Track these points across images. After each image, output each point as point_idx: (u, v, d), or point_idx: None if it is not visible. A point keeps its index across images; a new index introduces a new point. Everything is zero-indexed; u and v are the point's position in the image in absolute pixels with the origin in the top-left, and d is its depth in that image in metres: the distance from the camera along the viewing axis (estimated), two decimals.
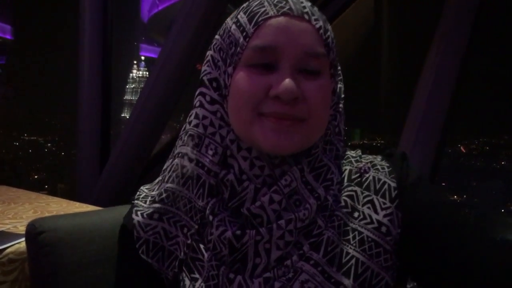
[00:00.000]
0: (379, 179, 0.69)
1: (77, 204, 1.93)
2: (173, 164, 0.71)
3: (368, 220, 0.67)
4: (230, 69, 0.66)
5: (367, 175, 0.70)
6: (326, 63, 0.65)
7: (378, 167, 0.71)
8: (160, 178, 0.76)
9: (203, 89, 0.70)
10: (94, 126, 3.19)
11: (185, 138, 0.70)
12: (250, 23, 0.64)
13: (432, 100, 2.34)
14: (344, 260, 0.64)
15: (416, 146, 2.33)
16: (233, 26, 0.67)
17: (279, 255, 0.64)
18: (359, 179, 0.70)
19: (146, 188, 0.78)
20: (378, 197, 0.68)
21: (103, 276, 0.83)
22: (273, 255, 0.64)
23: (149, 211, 0.71)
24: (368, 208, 0.67)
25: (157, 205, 0.71)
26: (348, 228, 0.66)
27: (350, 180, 0.70)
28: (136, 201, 0.75)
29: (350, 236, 0.65)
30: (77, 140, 3.30)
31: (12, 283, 1.29)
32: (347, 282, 0.62)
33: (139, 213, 0.72)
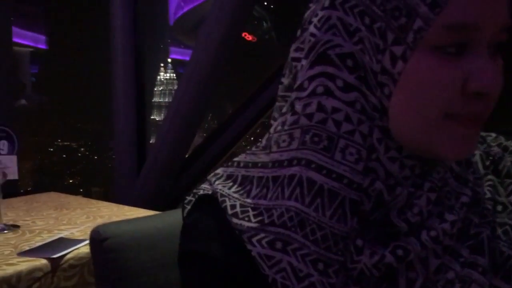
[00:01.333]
0: None
1: (127, 207, 1.97)
2: (293, 175, 0.50)
3: None
4: (399, 50, 0.46)
5: (503, 162, 0.58)
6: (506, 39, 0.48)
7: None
8: (247, 172, 0.56)
9: (329, 69, 0.48)
10: (130, 129, 3.24)
11: (304, 138, 0.50)
12: None
13: None
14: (506, 263, 0.52)
15: None
16: None
17: (437, 264, 0.50)
18: (493, 166, 0.58)
19: (234, 192, 0.55)
20: None
21: (167, 281, 0.84)
22: (431, 266, 0.50)
23: (269, 238, 0.50)
24: None
25: (279, 229, 0.50)
26: (495, 223, 0.54)
27: (485, 167, 0.58)
28: (236, 220, 0.52)
29: (499, 232, 0.54)
30: (114, 143, 3.37)
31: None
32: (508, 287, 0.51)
33: (254, 239, 0.51)
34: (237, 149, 3.51)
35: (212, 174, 0.59)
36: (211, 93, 2.88)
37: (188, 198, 0.58)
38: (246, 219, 0.51)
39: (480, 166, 0.58)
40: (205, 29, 2.72)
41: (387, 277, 0.49)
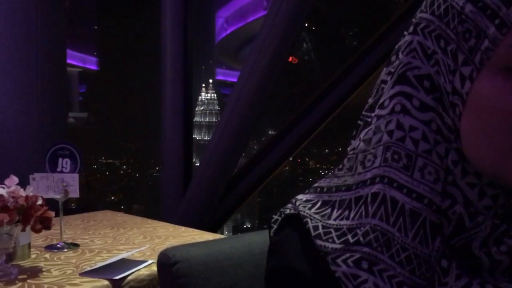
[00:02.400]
0: None
1: (183, 228, 2.00)
2: (377, 193, 0.50)
3: None
4: (467, 70, 0.46)
5: None
6: None
7: None
8: (330, 197, 0.56)
9: (407, 89, 0.50)
10: (177, 149, 3.31)
11: (386, 155, 0.50)
12: (507, 5, 0.43)
13: None
14: None
15: None
16: (469, 7, 0.46)
17: None
18: None
19: (315, 213, 0.55)
20: None
21: None
22: None
23: (355, 257, 0.49)
24: None
25: (365, 249, 0.49)
26: None
27: None
28: (320, 242, 0.52)
29: None
30: (161, 162, 3.44)
31: None
32: None
33: (339, 260, 0.50)
34: (280, 171, 3.51)
35: (294, 198, 0.59)
36: (257, 115, 2.91)
37: (275, 217, 0.59)
38: (330, 240, 0.51)
39: None
40: (254, 51, 2.76)
41: None
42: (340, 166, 0.57)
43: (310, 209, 0.55)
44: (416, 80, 0.50)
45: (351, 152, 0.56)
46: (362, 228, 0.50)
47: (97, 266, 1.41)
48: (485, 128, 0.46)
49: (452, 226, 0.48)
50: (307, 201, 0.57)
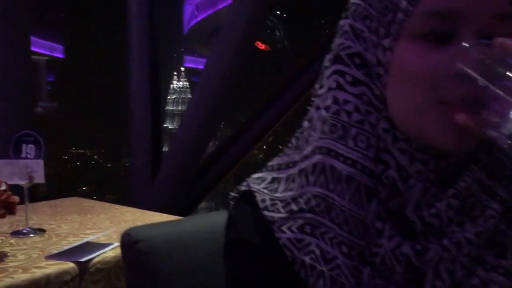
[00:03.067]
0: None
1: (150, 213, 2.01)
2: (316, 163, 0.54)
3: None
4: (387, 42, 0.51)
5: None
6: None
7: None
8: (279, 174, 0.60)
9: (341, 67, 0.55)
10: (145, 136, 3.31)
11: (324, 128, 0.55)
12: None
13: None
14: None
15: None
16: None
17: (463, 274, 0.52)
18: None
19: (264, 188, 0.59)
20: None
21: (199, 285, 0.83)
22: (457, 275, 0.52)
23: (298, 223, 0.54)
24: None
25: (308, 215, 0.53)
26: None
27: None
28: (267, 213, 0.56)
29: None
30: (129, 150, 3.44)
31: None
32: None
33: (284, 227, 0.54)
34: (249, 158, 3.56)
35: (249, 177, 0.64)
36: (225, 102, 2.94)
37: (232, 194, 0.63)
38: (276, 211, 0.55)
39: None
40: (220, 38, 2.79)
41: (413, 281, 0.51)
42: (290, 145, 0.62)
43: (259, 184, 0.60)
44: (348, 58, 0.54)
45: (299, 132, 0.60)
46: (304, 197, 0.54)
47: (63, 249, 1.43)
48: (404, 90, 0.51)
49: (387, 190, 0.52)
50: (258, 178, 0.61)
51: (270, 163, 0.63)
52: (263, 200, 0.57)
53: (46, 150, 1.65)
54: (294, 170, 0.57)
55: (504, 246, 0.53)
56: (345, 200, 0.52)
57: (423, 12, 0.49)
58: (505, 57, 0.44)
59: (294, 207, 0.55)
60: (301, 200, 0.54)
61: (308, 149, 0.56)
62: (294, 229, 0.53)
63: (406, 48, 0.50)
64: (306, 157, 0.56)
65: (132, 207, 2.20)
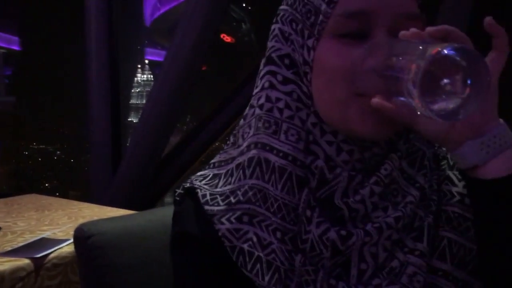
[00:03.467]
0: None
1: (108, 208, 2.01)
2: (252, 157, 0.59)
3: (449, 196, 0.61)
4: (310, 42, 0.57)
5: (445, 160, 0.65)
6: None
7: None
8: (219, 171, 0.64)
9: (272, 68, 0.60)
10: (105, 131, 3.27)
11: (258, 124, 0.59)
12: None
13: None
14: (440, 245, 0.58)
15: None
16: None
17: (385, 257, 0.57)
18: (443, 164, 0.64)
19: (205, 184, 0.63)
20: (454, 171, 0.63)
21: (152, 278, 0.85)
22: (380, 258, 0.56)
23: (237, 214, 0.58)
24: (446, 184, 0.62)
25: (245, 205, 0.58)
26: (441, 212, 0.60)
27: (437, 164, 0.64)
28: (207, 207, 0.60)
29: (443, 219, 0.60)
30: (89, 145, 3.39)
31: (57, 287, 1.37)
32: (445, 266, 0.58)
33: (223, 219, 0.58)
34: (213, 151, 3.57)
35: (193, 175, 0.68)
36: (186, 94, 2.94)
37: (178, 191, 0.67)
38: (216, 204, 0.60)
39: (431, 163, 0.63)
40: (179, 30, 2.78)
41: (341, 265, 0.56)
42: (228, 143, 0.67)
43: (201, 181, 0.64)
44: (279, 59, 0.60)
45: (236, 129, 0.65)
46: (242, 189, 0.58)
47: (18, 246, 1.42)
48: (326, 85, 0.56)
49: (316, 179, 0.57)
50: (201, 175, 0.66)
51: (212, 161, 0.68)
52: (204, 196, 0.61)
53: (4, 146, 1.62)
54: (232, 165, 0.62)
55: (421, 230, 0.58)
56: (278, 189, 0.57)
57: (340, 13, 0.55)
58: (408, 46, 0.49)
59: (232, 199, 0.59)
60: (238, 192, 0.59)
61: (244, 145, 0.61)
62: (232, 219, 0.58)
63: (326, 47, 0.56)
64: (242, 153, 0.61)
65: (93, 203, 2.20)
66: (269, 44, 0.61)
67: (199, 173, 0.67)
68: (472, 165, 0.52)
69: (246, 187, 0.58)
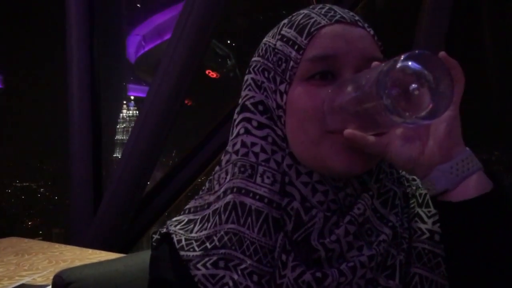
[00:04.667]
0: (421, 194, 0.66)
1: (90, 251, 1.96)
2: (228, 202, 0.60)
3: (419, 233, 0.62)
4: (283, 87, 0.60)
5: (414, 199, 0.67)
6: None
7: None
8: (195, 216, 0.65)
9: (247, 114, 0.62)
10: (86, 169, 3.22)
11: (234, 170, 0.61)
12: (301, 35, 0.60)
13: None
14: (412, 281, 0.59)
15: None
16: (279, 43, 0.62)
17: None
18: (412, 202, 0.66)
19: (180, 229, 0.64)
20: (423, 208, 0.64)
21: None
22: None
23: (212, 260, 0.58)
24: (416, 221, 0.63)
25: (221, 250, 0.58)
26: (411, 249, 0.61)
27: (406, 203, 0.66)
28: (183, 252, 0.61)
29: (414, 256, 0.61)
30: (69, 183, 3.32)
31: None
32: None
33: (199, 265, 0.59)
34: (198, 186, 3.51)
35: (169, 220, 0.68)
36: (167, 130, 2.91)
37: (155, 236, 0.67)
38: (191, 249, 0.61)
39: (402, 202, 0.65)
40: (161, 66, 2.78)
41: None
42: (203, 188, 0.68)
43: (175, 226, 0.65)
44: (253, 106, 0.63)
45: (211, 176, 0.66)
46: (218, 234, 0.60)
47: None
48: (299, 126, 0.59)
49: (293, 221, 0.58)
50: (176, 220, 0.67)
51: (187, 206, 0.69)
52: (179, 241, 0.62)
53: None
54: (209, 211, 0.63)
55: (393, 268, 0.59)
56: (254, 232, 0.58)
57: (309, 58, 0.59)
58: (370, 71, 0.52)
59: (208, 245, 0.60)
60: (215, 238, 0.60)
61: (221, 190, 0.62)
62: (208, 265, 0.59)
63: (297, 90, 0.59)
64: (219, 198, 0.62)
65: (74, 243, 2.16)
66: (243, 93, 0.64)
67: (174, 219, 0.67)
68: (443, 189, 0.53)
69: (222, 232, 0.59)
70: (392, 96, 0.47)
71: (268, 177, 0.59)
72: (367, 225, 0.60)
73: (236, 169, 0.61)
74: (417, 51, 0.48)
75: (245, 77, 0.65)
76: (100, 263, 0.94)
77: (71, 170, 3.29)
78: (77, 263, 1.73)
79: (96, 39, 3.33)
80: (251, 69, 0.65)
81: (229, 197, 0.60)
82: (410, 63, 0.48)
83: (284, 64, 0.61)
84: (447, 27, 2.45)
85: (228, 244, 0.58)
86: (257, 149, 0.61)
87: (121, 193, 2.96)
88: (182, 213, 0.68)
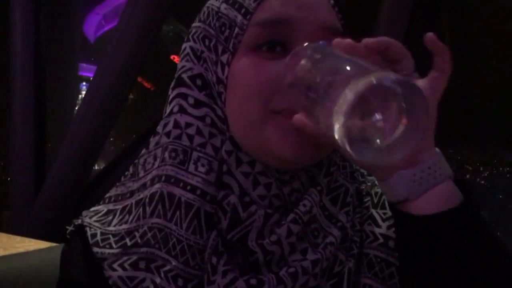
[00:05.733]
0: (377, 192, 0.58)
1: (18, 238, 1.86)
2: (154, 192, 0.51)
3: (372, 237, 0.54)
4: (225, 58, 0.51)
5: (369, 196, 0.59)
6: None
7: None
8: (115, 206, 0.57)
9: (183, 90, 0.53)
10: (27, 153, 3.03)
11: (163, 155, 0.52)
12: None
13: None
14: None
15: None
16: (223, 6, 0.52)
17: None
18: (366, 201, 0.59)
19: (96, 221, 0.55)
20: (378, 209, 0.56)
21: None
22: None
23: (132, 259, 0.50)
24: (369, 224, 0.55)
25: (143, 249, 0.50)
26: (362, 255, 0.54)
27: (360, 202, 0.58)
28: (97, 249, 0.52)
29: (365, 263, 0.54)
30: (9, 166, 3.14)
31: None
32: None
33: (115, 265, 0.51)
34: None
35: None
36: (117, 111, 2.77)
37: (69, 228, 0.59)
38: (108, 246, 0.52)
39: (354, 200, 0.57)
40: (109, 48, 2.65)
41: None
42: (126, 174, 0.58)
43: (91, 217, 0.56)
44: (190, 80, 0.53)
45: (136, 160, 0.57)
46: (140, 230, 0.51)
47: None
48: (241, 103, 0.50)
49: (228, 218, 0.50)
50: (94, 211, 0.58)
51: (107, 195, 0.59)
52: (94, 235, 0.54)
53: None
54: (131, 201, 0.54)
55: (341, 277, 0.51)
56: (183, 228, 0.49)
57: (256, 23, 0.50)
58: (336, 64, 0.42)
59: (128, 241, 0.52)
60: (136, 233, 0.52)
61: (147, 178, 0.53)
62: (126, 266, 0.51)
63: (242, 61, 0.50)
64: (144, 187, 0.53)
65: (14, 228, 2.14)
66: (179, 64, 0.54)
67: (92, 208, 0.59)
68: (401, 198, 0.45)
69: (146, 227, 0.51)
70: (348, 126, 0.37)
71: (203, 165, 0.50)
72: (313, 224, 0.52)
73: (166, 154, 0.52)
74: (395, 78, 0.37)
75: (183, 46, 0.55)
76: (13, 256, 0.86)
77: (10, 149, 3.11)
78: (1, 252, 1.62)
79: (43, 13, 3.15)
80: (190, 36, 0.55)
81: (156, 187, 0.51)
82: (388, 83, 0.38)
83: (228, 31, 0.51)
84: (406, 26, 2.42)
85: (152, 242, 0.50)
86: (192, 131, 0.51)
87: (64, 178, 2.81)
88: (101, 202, 0.59)
